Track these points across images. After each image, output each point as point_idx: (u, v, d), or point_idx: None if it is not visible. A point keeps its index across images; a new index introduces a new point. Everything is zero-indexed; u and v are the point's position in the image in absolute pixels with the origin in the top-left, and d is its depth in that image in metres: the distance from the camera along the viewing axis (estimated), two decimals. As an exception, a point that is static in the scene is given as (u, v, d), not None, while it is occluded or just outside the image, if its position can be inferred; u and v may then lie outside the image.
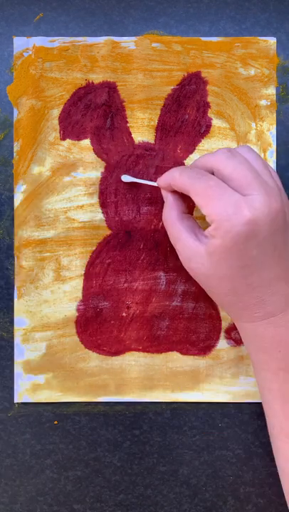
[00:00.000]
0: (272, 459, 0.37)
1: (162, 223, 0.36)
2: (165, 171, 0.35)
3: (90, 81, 0.36)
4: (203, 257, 0.30)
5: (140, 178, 0.36)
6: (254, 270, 0.29)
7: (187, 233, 0.31)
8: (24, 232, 0.36)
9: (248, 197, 0.28)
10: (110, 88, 0.36)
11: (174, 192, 0.32)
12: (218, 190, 0.28)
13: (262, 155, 0.36)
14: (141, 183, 0.36)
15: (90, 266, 0.36)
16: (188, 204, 0.33)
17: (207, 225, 0.30)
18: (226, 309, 0.32)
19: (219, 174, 0.29)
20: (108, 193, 0.36)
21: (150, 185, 0.36)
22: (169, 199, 0.32)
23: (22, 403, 0.37)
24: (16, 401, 0.36)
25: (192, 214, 0.34)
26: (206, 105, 0.36)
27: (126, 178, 0.36)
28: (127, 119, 0.36)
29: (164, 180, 0.32)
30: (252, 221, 0.28)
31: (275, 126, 0.36)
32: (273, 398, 0.31)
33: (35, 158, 0.36)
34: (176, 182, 0.31)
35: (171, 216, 0.32)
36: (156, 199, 0.36)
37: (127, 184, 0.36)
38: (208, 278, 0.30)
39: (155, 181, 0.34)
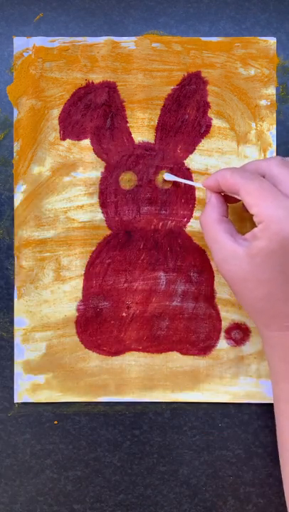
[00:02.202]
0: (272, 459, 0.37)
1: (162, 223, 0.36)
2: (165, 171, 0.35)
3: (90, 81, 0.36)
4: (242, 259, 0.29)
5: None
6: None
7: (225, 235, 0.31)
8: (24, 232, 0.36)
9: None
10: (110, 88, 0.36)
11: (218, 194, 0.32)
12: (271, 193, 0.28)
13: (262, 155, 0.36)
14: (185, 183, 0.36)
15: (90, 266, 0.36)
16: (227, 209, 0.33)
17: (244, 231, 0.30)
18: (254, 316, 0.32)
19: (271, 180, 0.30)
20: (108, 193, 0.36)
21: (150, 186, 0.36)
22: (212, 200, 0.32)
23: (22, 403, 0.37)
24: (15, 401, 0.36)
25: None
26: (206, 105, 0.36)
27: (168, 177, 0.36)
28: (127, 119, 0.36)
29: (214, 179, 0.32)
30: None
31: (275, 126, 0.36)
32: None
33: (35, 158, 0.36)
34: (227, 181, 0.30)
35: (211, 216, 0.32)
36: (156, 199, 0.36)
37: (127, 184, 0.36)
38: (245, 281, 0.30)
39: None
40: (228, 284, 0.32)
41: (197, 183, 0.34)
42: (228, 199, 0.33)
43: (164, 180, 0.36)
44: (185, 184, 0.36)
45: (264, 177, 0.30)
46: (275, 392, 0.32)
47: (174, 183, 0.36)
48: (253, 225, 0.30)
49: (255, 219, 0.29)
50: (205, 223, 0.32)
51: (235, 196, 0.31)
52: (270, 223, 0.28)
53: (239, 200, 0.32)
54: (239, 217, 0.36)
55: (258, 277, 0.29)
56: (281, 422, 0.32)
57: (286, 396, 0.31)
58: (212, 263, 0.37)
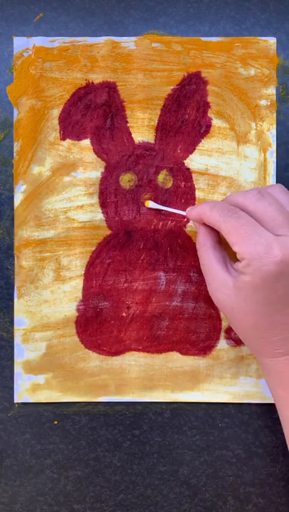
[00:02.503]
0: (272, 459, 0.37)
1: (162, 223, 0.36)
2: (165, 171, 0.35)
3: (90, 81, 0.36)
4: (230, 289, 0.30)
5: (163, 205, 0.36)
6: (279, 309, 0.29)
7: (218, 264, 0.31)
8: (24, 232, 0.36)
9: (280, 237, 0.28)
10: (110, 88, 0.36)
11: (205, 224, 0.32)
12: (249, 229, 0.29)
13: (262, 155, 0.36)
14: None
15: (90, 266, 0.36)
16: (219, 233, 0.33)
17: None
18: (247, 343, 0.32)
19: (249, 214, 0.30)
20: (108, 193, 0.36)
21: (150, 186, 0.36)
22: (201, 230, 0.32)
23: (22, 403, 0.37)
24: (16, 401, 0.36)
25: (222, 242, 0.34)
26: (206, 105, 0.36)
27: (152, 205, 0.36)
28: (127, 119, 0.36)
29: (195, 214, 0.32)
30: (283, 262, 0.28)
31: (275, 126, 0.36)
32: None
33: (35, 158, 0.36)
34: (206, 218, 0.31)
35: (205, 244, 0.32)
36: (156, 199, 0.36)
37: (127, 184, 0.36)
38: (234, 311, 0.31)
39: (182, 209, 0.35)
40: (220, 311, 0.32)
41: (181, 212, 0.34)
42: None
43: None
44: (185, 184, 0.36)
45: (244, 210, 0.30)
46: (281, 419, 0.33)
47: (174, 183, 0.36)
48: None
49: (238, 256, 0.29)
50: (199, 251, 0.32)
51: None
52: (251, 261, 0.28)
53: None
54: None
55: (245, 309, 0.30)
56: None
57: None
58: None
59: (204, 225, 0.32)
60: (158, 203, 0.36)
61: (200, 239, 0.32)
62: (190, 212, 0.32)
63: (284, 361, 0.30)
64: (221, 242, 0.33)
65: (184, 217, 0.36)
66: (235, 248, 0.29)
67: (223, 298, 0.31)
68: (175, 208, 0.36)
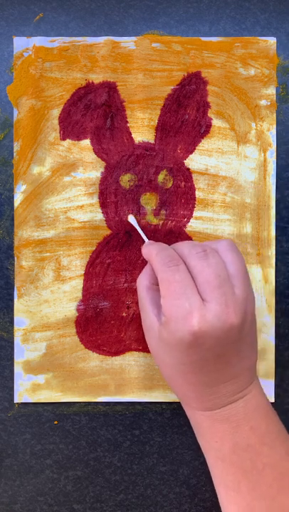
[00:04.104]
0: (272, 459, 0.37)
1: (162, 223, 0.36)
2: (165, 171, 0.35)
3: (90, 81, 0.36)
4: (155, 334, 0.30)
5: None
6: (192, 371, 0.29)
7: (150, 305, 0.31)
8: (24, 232, 0.36)
9: (206, 304, 0.27)
10: (110, 88, 0.36)
11: None
12: (178, 289, 0.28)
13: (262, 155, 0.36)
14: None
15: (90, 266, 0.36)
16: None
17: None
18: (172, 389, 0.32)
19: (189, 269, 0.29)
20: (108, 193, 0.36)
21: (150, 186, 0.36)
22: (147, 267, 0.32)
23: (22, 403, 0.37)
24: (15, 401, 0.36)
25: None
26: (206, 105, 0.36)
27: (131, 220, 0.36)
28: (127, 119, 0.36)
29: (144, 252, 0.32)
30: (197, 333, 0.27)
31: (275, 126, 0.36)
32: (217, 484, 0.31)
33: (35, 158, 0.36)
34: (150, 260, 0.31)
35: (142, 283, 0.32)
36: (156, 199, 0.36)
37: (127, 184, 0.36)
38: (156, 356, 0.31)
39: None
40: None
41: (145, 238, 0.35)
42: None
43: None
44: (185, 184, 0.36)
45: (185, 262, 0.29)
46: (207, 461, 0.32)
47: (174, 183, 0.36)
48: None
49: (162, 309, 0.29)
50: (137, 288, 0.32)
51: None
52: (169, 320, 0.28)
53: None
54: None
55: (163, 359, 0.30)
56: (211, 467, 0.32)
57: (212, 469, 0.31)
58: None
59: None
60: (158, 203, 0.36)
61: (141, 276, 0.32)
62: (143, 248, 0.32)
63: (201, 416, 0.30)
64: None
65: (184, 217, 0.36)
66: (161, 301, 0.29)
67: (149, 340, 0.31)
68: (177, 210, 0.36)
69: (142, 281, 0.32)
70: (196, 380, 0.29)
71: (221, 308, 0.27)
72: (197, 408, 0.30)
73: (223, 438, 0.29)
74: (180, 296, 0.28)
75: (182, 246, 0.30)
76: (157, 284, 0.31)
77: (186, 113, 0.36)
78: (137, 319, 0.36)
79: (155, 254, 0.30)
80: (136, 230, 0.36)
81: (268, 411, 0.30)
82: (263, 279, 0.36)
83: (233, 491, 0.29)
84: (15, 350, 0.36)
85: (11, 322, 0.37)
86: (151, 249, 0.31)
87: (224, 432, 0.29)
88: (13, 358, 0.36)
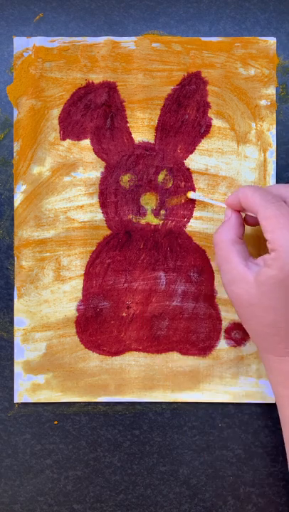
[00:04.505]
0: (272, 459, 0.37)
1: (162, 223, 0.36)
2: (165, 171, 0.35)
3: (90, 81, 0.36)
4: (250, 284, 0.29)
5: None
6: None
7: (238, 257, 0.30)
8: (24, 232, 0.36)
9: None
10: (110, 88, 0.36)
11: (238, 214, 0.32)
12: (288, 220, 0.28)
13: (262, 155, 0.36)
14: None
15: (90, 266, 0.36)
16: (244, 230, 0.32)
17: (261, 252, 0.30)
18: (256, 340, 0.32)
19: None
20: (108, 193, 0.36)
21: (150, 186, 0.36)
22: (232, 219, 0.32)
23: (22, 403, 0.37)
24: (15, 401, 0.36)
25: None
26: (206, 105, 0.36)
27: (193, 195, 0.36)
28: (127, 119, 0.36)
29: (235, 196, 0.31)
30: None
31: (275, 126, 0.36)
32: None
33: (35, 158, 0.36)
34: (247, 199, 0.30)
35: (227, 236, 0.31)
36: (156, 199, 0.36)
37: (127, 184, 0.36)
38: (251, 306, 0.30)
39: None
40: (233, 306, 0.32)
41: (221, 203, 0.34)
42: (247, 221, 0.33)
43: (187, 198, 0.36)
44: (185, 184, 0.36)
45: (285, 202, 0.30)
46: (281, 419, 0.32)
47: (174, 183, 0.36)
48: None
49: (268, 245, 0.29)
50: (219, 241, 0.32)
51: (253, 216, 0.31)
52: (282, 253, 0.28)
53: (258, 224, 0.31)
54: (257, 239, 0.36)
55: (264, 304, 0.29)
56: None
57: None
58: (212, 263, 0.37)
59: (237, 214, 0.32)
60: (158, 203, 0.36)
61: (225, 228, 0.32)
62: (230, 197, 0.32)
63: None
64: (243, 238, 0.32)
65: (184, 217, 0.36)
66: (268, 236, 0.28)
67: (241, 292, 0.30)
68: (177, 210, 0.36)
69: (226, 235, 0.31)
70: None
71: None
72: None
73: None
74: None
75: (278, 186, 0.31)
76: (240, 238, 0.32)
77: (186, 113, 0.36)
78: (137, 319, 0.36)
79: (252, 193, 0.30)
80: (136, 230, 0.36)
81: None
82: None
83: None
84: (15, 350, 0.36)
85: (11, 322, 0.37)
86: (244, 191, 0.30)
87: None
88: (13, 358, 0.36)
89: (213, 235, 0.32)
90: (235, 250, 0.31)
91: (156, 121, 0.36)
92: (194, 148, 0.36)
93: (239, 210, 0.32)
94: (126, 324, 0.36)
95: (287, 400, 0.31)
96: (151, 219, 0.36)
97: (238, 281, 0.30)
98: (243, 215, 0.33)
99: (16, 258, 0.36)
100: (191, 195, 0.36)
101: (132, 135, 0.36)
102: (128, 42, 0.36)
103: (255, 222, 0.33)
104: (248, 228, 0.36)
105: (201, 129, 0.36)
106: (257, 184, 0.36)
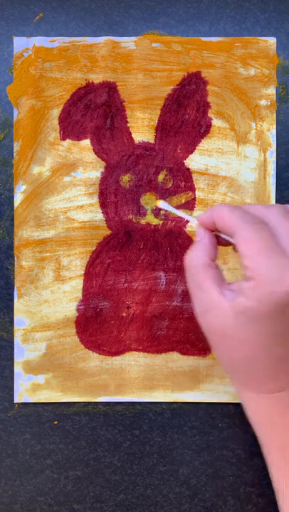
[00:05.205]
0: (272, 459, 0.37)
1: (162, 223, 0.36)
2: (165, 171, 0.35)
3: (90, 81, 0.36)
4: (225, 313, 0.26)
5: (174, 207, 0.33)
6: (281, 342, 0.26)
7: (212, 283, 0.27)
8: (24, 232, 0.36)
9: None
10: (110, 88, 0.36)
11: (211, 234, 0.29)
12: (267, 246, 0.25)
13: (262, 155, 0.36)
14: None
15: (90, 266, 0.36)
16: (217, 252, 0.29)
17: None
18: (231, 374, 0.29)
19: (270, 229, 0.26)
20: (108, 193, 0.36)
21: (150, 186, 0.36)
22: (204, 240, 0.28)
23: (22, 403, 0.37)
24: (15, 401, 0.36)
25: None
26: (206, 105, 0.36)
27: (162, 205, 0.33)
28: (127, 119, 0.36)
29: (209, 216, 0.28)
30: None
31: (275, 126, 0.36)
32: (282, 488, 0.29)
33: (35, 158, 0.36)
34: (223, 220, 0.27)
35: (198, 259, 0.28)
36: (155, 200, 0.36)
37: (127, 184, 0.36)
38: (226, 338, 0.27)
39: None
40: (206, 336, 0.28)
41: (192, 218, 0.30)
42: (220, 241, 0.29)
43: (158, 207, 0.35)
44: (185, 184, 0.36)
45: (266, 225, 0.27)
46: (266, 460, 0.30)
47: (174, 183, 0.36)
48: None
49: (246, 272, 0.25)
50: (191, 266, 0.28)
51: (229, 239, 0.28)
52: (261, 283, 0.25)
53: (231, 244, 0.28)
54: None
55: (241, 337, 0.26)
56: (277, 491, 0.30)
57: (276, 463, 0.29)
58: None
59: (210, 236, 0.29)
60: (157, 204, 0.36)
61: (197, 251, 0.28)
62: (202, 215, 0.28)
63: (270, 399, 0.28)
64: (216, 261, 0.29)
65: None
66: (246, 262, 0.25)
67: (216, 322, 0.27)
68: (183, 212, 0.33)
69: (198, 258, 0.28)
70: (283, 353, 0.26)
71: None
72: (269, 390, 0.27)
73: None
74: (272, 254, 0.25)
75: (256, 206, 0.27)
76: (213, 260, 0.28)
77: (186, 113, 0.36)
78: (137, 319, 0.36)
79: (229, 212, 0.27)
80: (136, 230, 0.36)
81: None
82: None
83: None
84: (15, 350, 0.36)
85: (11, 322, 0.37)
86: (220, 209, 0.27)
87: None
88: (13, 358, 0.36)
89: (184, 258, 0.29)
90: (209, 275, 0.27)
91: (156, 121, 0.36)
92: (194, 148, 0.36)
93: (213, 229, 0.29)
94: (126, 324, 0.36)
95: (268, 439, 0.29)
96: (151, 219, 0.36)
97: (212, 310, 0.27)
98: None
99: (16, 258, 0.36)
100: (160, 204, 0.33)
101: (132, 135, 0.36)
102: (128, 42, 0.36)
103: (228, 243, 0.29)
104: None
105: (201, 129, 0.36)
106: (257, 184, 0.36)
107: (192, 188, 0.36)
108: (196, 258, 0.28)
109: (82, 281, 0.36)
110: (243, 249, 0.26)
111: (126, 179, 0.36)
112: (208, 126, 0.36)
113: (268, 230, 0.26)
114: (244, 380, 0.28)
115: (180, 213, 0.31)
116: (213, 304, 0.27)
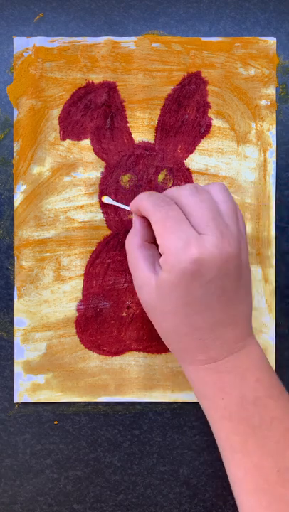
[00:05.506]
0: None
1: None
2: (165, 171, 0.35)
3: (90, 81, 0.36)
4: (152, 288, 0.29)
5: (120, 200, 0.36)
6: (198, 311, 0.28)
7: (144, 262, 0.30)
8: (24, 232, 0.36)
9: (202, 236, 0.28)
10: (110, 88, 0.36)
11: (143, 218, 0.32)
12: (174, 223, 0.28)
13: (262, 155, 0.36)
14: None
15: (90, 266, 0.36)
16: (154, 234, 0.31)
17: None
18: (170, 348, 0.31)
19: (182, 209, 0.29)
20: (108, 193, 0.36)
21: (150, 186, 0.36)
22: (135, 224, 0.32)
23: (22, 403, 0.37)
24: (15, 401, 0.36)
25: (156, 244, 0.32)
26: (206, 105, 0.36)
27: (107, 200, 0.36)
28: (127, 119, 0.36)
29: (134, 204, 0.31)
30: (198, 260, 0.27)
31: (275, 126, 0.36)
32: (223, 449, 0.30)
33: (35, 158, 0.36)
34: (142, 206, 0.30)
35: (133, 242, 0.31)
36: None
37: (127, 184, 0.36)
38: (155, 312, 0.30)
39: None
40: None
41: (127, 207, 0.34)
42: None
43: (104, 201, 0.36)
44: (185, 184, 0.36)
45: (177, 204, 0.29)
46: (213, 431, 0.31)
47: (174, 183, 0.36)
48: None
49: (159, 249, 0.28)
50: (127, 248, 0.32)
51: None
52: (168, 255, 0.28)
53: None
54: None
55: (163, 309, 0.29)
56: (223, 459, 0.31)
57: (216, 433, 0.30)
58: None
59: (141, 219, 0.32)
60: (103, 200, 0.36)
61: (131, 234, 0.32)
62: (132, 203, 0.32)
63: (206, 370, 0.30)
64: (152, 242, 0.32)
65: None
66: (158, 240, 0.28)
67: (146, 297, 0.30)
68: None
69: (133, 240, 0.31)
70: (202, 322, 0.29)
71: (217, 238, 0.28)
72: (201, 361, 0.29)
73: (230, 393, 0.29)
74: (176, 229, 0.28)
75: (172, 189, 0.30)
76: (148, 241, 0.31)
77: (186, 113, 0.36)
78: (137, 319, 0.36)
79: (145, 200, 0.30)
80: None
81: (268, 365, 0.30)
82: (262, 279, 0.36)
83: (240, 452, 0.29)
84: (15, 350, 0.36)
85: (11, 322, 0.37)
86: (140, 197, 0.31)
87: (231, 385, 0.29)
88: (13, 358, 0.36)
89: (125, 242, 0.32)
90: (141, 255, 0.30)
91: (156, 121, 0.36)
92: (194, 148, 0.36)
93: (142, 216, 0.32)
94: (126, 324, 0.36)
95: (208, 410, 0.30)
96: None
97: (144, 286, 0.30)
98: None
99: (16, 258, 0.36)
100: (105, 199, 0.36)
101: (132, 135, 0.36)
102: (128, 42, 0.36)
103: None
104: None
105: (201, 129, 0.36)
106: (257, 184, 0.36)
107: (192, 188, 0.36)
108: (130, 240, 0.32)
109: (82, 281, 0.36)
110: (155, 229, 0.29)
111: (126, 179, 0.36)
112: (208, 126, 0.36)
113: (176, 210, 0.28)
114: (180, 352, 0.30)
115: (122, 206, 0.35)
116: (144, 281, 0.30)
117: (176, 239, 0.27)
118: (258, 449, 0.28)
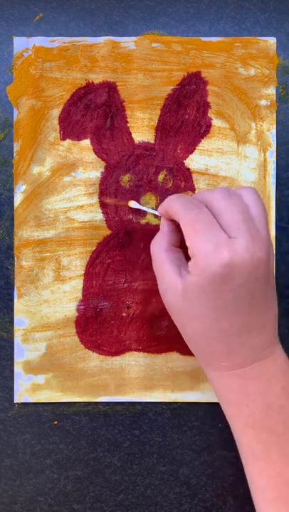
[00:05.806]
0: (272, 459, 0.37)
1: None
2: (165, 171, 0.35)
3: (90, 81, 0.36)
4: (178, 292, 0.29)
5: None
6: (226, 315, 0.28)
7: (169, 265, 0.30)
8: (24, 232, 0.36)
9: (233, 239, 0.27)
10: (110, 88, 0.36)
11: (171, 221, 0.31)
12: (205, 225, 0.27)
13: (262, 155, 0.36)
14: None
15: (90, 266, 0.36)
16: (181, 237, 0.31)
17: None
18: (194, 352, 0.31)
19: (212, 212, 0.29)
20: (108, 193, 0.36)
21: (150, 186, 0.36)
22: (163, 227, 0.31)
23: (22, 403, 0.37)
24: (15, 401, 0.36)
25: (183, 248, 0.32)
26: (206, 105, 0.36)
27: (134, 205, 0.36)
28: (127, 119, 0.36)
29: (163, 207, 0.31)
30: (229, 264, 0.27)
31: (275, 126, 0.36)
32: (244, 456, 0.30)
33: (35, 158, 0.36)
34: (171, 209, 0.30)
35: (160, 245, 0.31)
36: (156, 200, 0.36)
37: (127, 184, 0.36)
38: (181, 315, 0.30)
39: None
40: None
41: (156, 211, 0.33)
42: None
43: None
44: (185, 184, 0.36)
45: (207, 207, 0.29)
46: (236, 439, 0.31)
47: (174, 183, 0.36)
48: None
49: (189, 252, 0.28)
50: (153, 251, 0.31)
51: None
52: (198, 258, 0.27)
53: None
54: None
55: (191, 313, 0.29)
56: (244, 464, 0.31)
57: (239, 439, 0.30)
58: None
59: (169, 223, 0.31)
60: (158, 203, 0.36)
61: (158, 237, 0.31)
62: (160, 207, 0.32)
63: (231, 376, 0.29)
64: (179, 246, 0.32)
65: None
66: (187, 242, 0.28)
67: (172, 301, 0.30)
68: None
69: (159, 244, 0.31)
70: (230, 327, 0.28)
71: (248, 242, 0.27)
72: (227, 367, 0.29)
73: (255, 400, 0.29)
74: (207, 232, 0.27)
75: (203, 192, 0.30)
76: (175, 245, 0.31)
77: (186, 113, 0.36)
78: (137, 319, 0.36)
79: (175, 202, 0.30)
80: (136, 230, 0.36)
81: None
82: (263, 279, 0.36)
83: (263, 460, 0.29)
84: (15, 350, 0.36)
85: (11, 322, 0.37)
86: (169, 200, 0.30)
87: (256, 392, 0.29)
88: (13, 358, 0.36)
89: (150, 246, 0.32)
90: (168, 259, 0.30)
91: (156, 121, 0.36)
92: (194, 148, 0.36)
93: (170, 220, 0.31)
94: (126, 324, 0.36)
95: (232, 417, 0.30)
96: (151, 219, 0.36)
97: (169, 290, 0.30)
98: None
99: (16, 258, 0.36)
100: (132, 204, 0.36)
101: (132, 135, 0.36)
102: (128, 42, 0.36)
103: None
104: None
105: (201, 129, 0.36)
106: (257, 184, 0.36)
107: (192, 188, 0.36)
108: (156, 244, 0.31)
109: (82, 281, 0.36)
110: (185, 232, 0.28)
111: (126, 179, 0.36)
112: (208, 126, 0.36)
113: (207, 213, 0.28)
114: (204, 357, 0.30)
115: (150, 210, 0.35)
116: (170, 285, 0.29)
117: (207, 242, 0.27)
118: (281, 457, 0.28)
